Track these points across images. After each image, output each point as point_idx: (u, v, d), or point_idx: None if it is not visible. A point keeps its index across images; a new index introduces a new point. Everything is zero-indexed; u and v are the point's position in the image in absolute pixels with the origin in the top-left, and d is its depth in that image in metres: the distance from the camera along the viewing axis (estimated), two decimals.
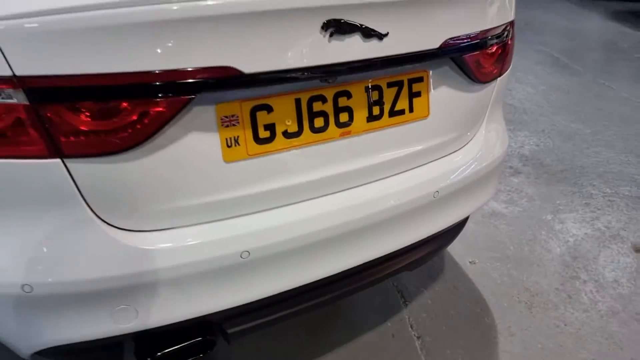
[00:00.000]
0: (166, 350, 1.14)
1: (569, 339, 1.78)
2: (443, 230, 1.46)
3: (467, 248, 2.21)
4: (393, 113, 1.23)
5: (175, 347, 1.15)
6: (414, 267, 1.53)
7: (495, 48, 1.36)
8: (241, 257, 1.07)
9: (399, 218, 1.30)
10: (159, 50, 0.88)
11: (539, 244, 2.26)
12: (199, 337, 1.17)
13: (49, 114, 0.87)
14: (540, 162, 2.96)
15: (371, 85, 1.17)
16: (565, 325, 1.84)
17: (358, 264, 1.27)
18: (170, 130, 0.96)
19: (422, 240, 1.41)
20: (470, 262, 2.12)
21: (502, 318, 1.85)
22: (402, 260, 1.44)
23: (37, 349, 1.06)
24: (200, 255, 1.04)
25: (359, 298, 1.89)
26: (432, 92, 1.29)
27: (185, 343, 1.16)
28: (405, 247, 1.37)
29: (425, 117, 1.29)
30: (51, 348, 1.05)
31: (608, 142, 3.26)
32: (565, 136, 3.30)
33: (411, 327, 1.80)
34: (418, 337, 1.75)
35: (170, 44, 0.89)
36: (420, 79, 1.25)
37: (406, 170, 1.32)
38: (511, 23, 1.42)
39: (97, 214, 0.97)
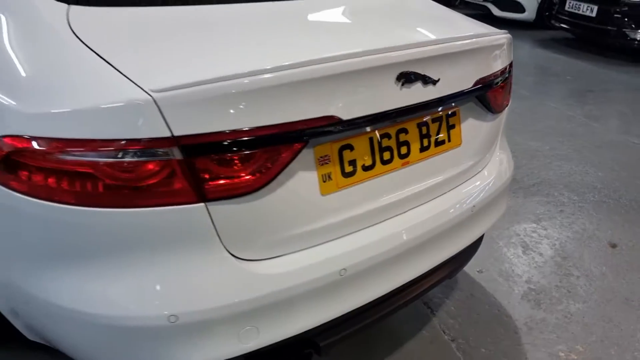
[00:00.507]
0: None
1: (577, 327, 2.05)
2: (471, 243, 1.70)
3: (472, 260, 2.46)
4: (437, 143, 1.48)
5: None
6: (452, 276, 1.76)
7: (504, 84, 1.65)
8: (340, 274, 1.26)
9: (446, 233, 1.53)
10: (285, 107, 1.09)
11: (532, 249, 2.55)
12: (298, 352, 1.34)
13: (197, 165, 1.05)
14: (513, 179, 3.30)
15: (421, 122, 1.42)
16: (572, 315, 2.11)
17: (419, 274, 1.49)
18: (285, 171, 1.15)
19: (458, 252, 1.64)
20: (478, 272, 2.37)
21: (518, 315, 2.10)
22: (444, 270, 1.66)
23: None
24: (308, 276, 1.23)
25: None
26: (463, 124, 1.55)
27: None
28: (448, 258, 1.59)
29: (459, 145, 1.55)
30: None
31: (565, 155, 3.67)
32: (528, 154, 3.68)
33: (444, 332, 2.01)
34: (452, 340, 1.97)
35: (294, 101, 1.10)
36: (454, 114, 1.51)
37: (448, 191, 1.56)
38: (511, 63, 1.72)
39: (227, 248, 1.14)
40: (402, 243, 1.38)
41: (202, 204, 1.08)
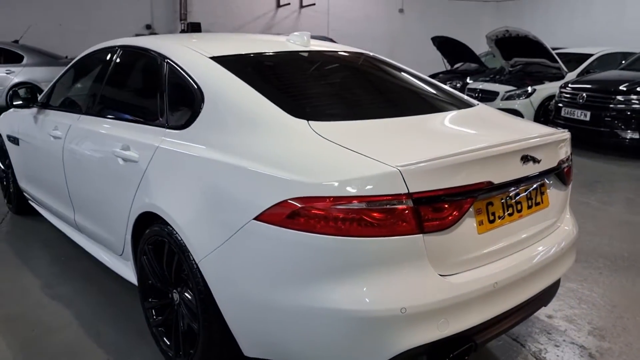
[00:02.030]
0: (453, 354, 1.89)
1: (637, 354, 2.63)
2: (556, 280, 2.35)
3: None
4: (536, 203, 2.19)
5: (457, 351, 1.90)
6: (546, 304, 2.41)
7: (570, 165, 2.41)
8: (493, 286, 1.91)
9: (543, 268, 2.19)
10: (467, 174, 1.83)
11: (585, 301, 3.17)
12: (464, 345, 1.93)
13: (420, 210, 1.75)
14: None
15: (528, 187, 2.15)
16: (631, 344, 2.70)
17: (531, 296, 2.12)
18: (463, 217, 1.85)
19: (548, 285, 2.29)
20: (547, 317, 2.97)
21: (589, 345, 2.68)
22: (538, 301, 2.29)
23: (393, 354, 1.78)
24: (476, 286, 1.88)
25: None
26: (548, 191, 2.28)
27: (460, 349, 1.92)
28: (544, 289, 2.24)
29: (547, 206, 2.26)
30: (403, 353, 1.78)
31: (591, 232, 4.38)
32: None
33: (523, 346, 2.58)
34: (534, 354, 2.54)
35: (471, 171, 1.84)
36: (544, 184, 2.24)
37: (542, 239, 2.24)
38: (571, 152, 2.49)
39: (432, 265, 1.81)
40: (523, 270, 2.05)
41: (420, 235, 1.76)
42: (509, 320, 2.10)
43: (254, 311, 1.96)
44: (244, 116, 2.15)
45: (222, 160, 2.03)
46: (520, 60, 9.87)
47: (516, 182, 2.03)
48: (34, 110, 3.70)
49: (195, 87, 2.34)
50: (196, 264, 2.06)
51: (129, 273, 2.76)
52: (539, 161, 2.08)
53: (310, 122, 2.03)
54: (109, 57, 3.18)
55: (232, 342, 2.07)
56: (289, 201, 1.77)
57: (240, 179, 1.96)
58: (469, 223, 1.90)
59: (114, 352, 2.58)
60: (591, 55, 9.91)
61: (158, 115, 2.52)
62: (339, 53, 3.06)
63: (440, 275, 1.83)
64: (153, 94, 2.63)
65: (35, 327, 2.78)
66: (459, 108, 2.52)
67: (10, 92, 3.64)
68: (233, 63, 2.44)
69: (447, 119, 2.38)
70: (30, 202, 4.19)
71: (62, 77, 3.69)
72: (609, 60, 9.80)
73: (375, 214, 1.72)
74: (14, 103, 3.65)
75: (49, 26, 12.52)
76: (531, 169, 2.06)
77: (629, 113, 7.27)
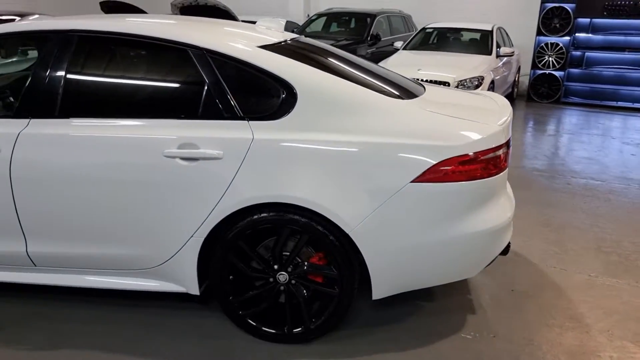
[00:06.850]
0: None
1: None
2: None
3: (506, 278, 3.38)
4: None
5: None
6: None
7: None
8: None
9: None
10: None
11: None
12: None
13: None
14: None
15: None
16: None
17: None
18: None
19: None
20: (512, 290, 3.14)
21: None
22: None
23: (502, 248, 2.57)
24: None
25: None
26: None
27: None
28: None
29: None
30: (506, 247, 2.62)
31: None
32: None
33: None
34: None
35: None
36: None
37: None
38: None
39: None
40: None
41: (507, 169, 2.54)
42: None
43: (403, 255, 2.38)
44: (346, 101, 2.38)
45: (354, 140, 2.30)
46: None
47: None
48: None
49: (274, 77, 2.41)
50: (343, 235, 2.36)
51: (153, 284, 2.65)
52: None
53: (403, 100, 2.51)
54: (98, 47, 2.61)
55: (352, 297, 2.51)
56: (441, 162, 2.27)
57: (386, 152, 2.29)
58: None
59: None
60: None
61: (224, 109, 2.41)
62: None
63: None
64: (203, 88, 2.45)
65: None
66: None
67: None
68: (284, 51, 2.59)
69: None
70: None
71: None
72: None
73: (494, 160, 2.38)
74: None
75: None
76: None
77: None
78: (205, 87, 2.45)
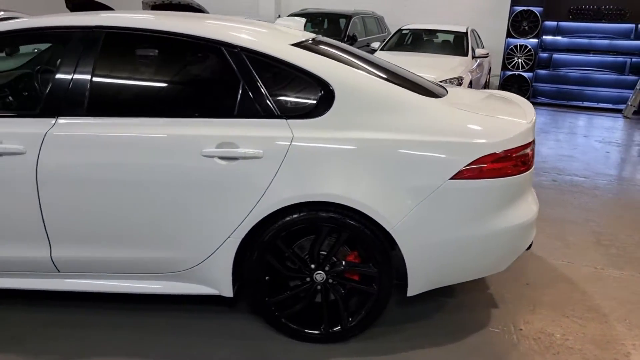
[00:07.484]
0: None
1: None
2: None
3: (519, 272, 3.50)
4: None
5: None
6: None
7: None
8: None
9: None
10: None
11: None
12: None
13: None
14: None
15: None
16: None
17: None
18: None
19: None
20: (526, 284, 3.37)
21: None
22: None
23: (531, 241, 2.64)
24: None
25: None
26: None
27: None
28: None
29: None
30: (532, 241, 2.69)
31: None
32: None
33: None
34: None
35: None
36: None
37: None
38: None
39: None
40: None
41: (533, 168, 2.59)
42: None
43: (440, 251, 2.41)
44: (383, 99, 2.40)
45: (393, 138, 2.32)
46: None
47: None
48: None
49: (311, 75, 2.40)
50: (384, 233, 2.38)
51: (183, 287, 2.58)
52: None
53: (436, 99, 2.56)
54: (124, 44, 2.52)
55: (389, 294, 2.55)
56: (480, 159, 2.32)
57: (425, 150, 2.31)
58: None
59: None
60: None
61: (261, 108, 2.37)
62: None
63: None
64: (238, 86, 2.41)
65: None
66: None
67: None
68: (313, 49, 2.57)
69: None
70: None
71: None
72: None
73: (524, 157, 2.44)
74: None
75: None
76: None
77: None
78: (241, 85, 2.41)
